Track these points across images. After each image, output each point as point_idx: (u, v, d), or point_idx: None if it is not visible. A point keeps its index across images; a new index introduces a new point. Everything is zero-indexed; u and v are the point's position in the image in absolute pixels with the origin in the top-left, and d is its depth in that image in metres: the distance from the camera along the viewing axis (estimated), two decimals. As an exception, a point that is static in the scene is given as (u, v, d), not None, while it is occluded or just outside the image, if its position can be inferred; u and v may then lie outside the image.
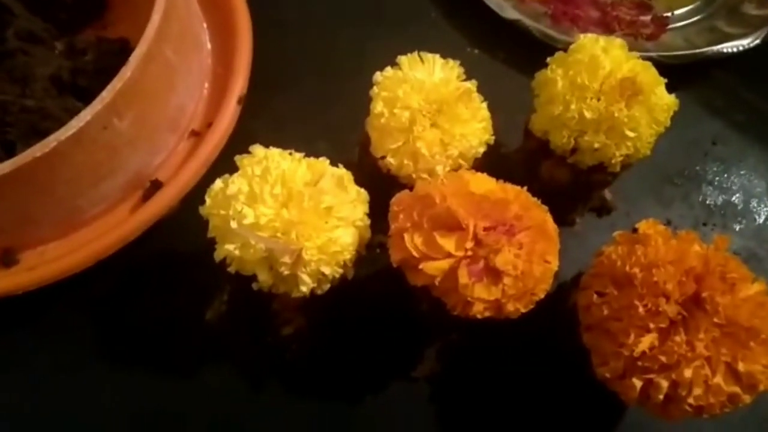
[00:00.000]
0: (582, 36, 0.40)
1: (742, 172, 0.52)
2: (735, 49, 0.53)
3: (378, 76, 0.38)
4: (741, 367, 0.31)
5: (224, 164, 0.37)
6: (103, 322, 0.44)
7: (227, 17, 0.51)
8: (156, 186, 0.44)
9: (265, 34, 0.52)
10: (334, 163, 0.36)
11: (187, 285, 0.45)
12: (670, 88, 0.39)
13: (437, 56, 0.39)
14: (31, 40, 0.47)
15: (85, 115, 0.36)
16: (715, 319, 0.31)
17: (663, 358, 0.31)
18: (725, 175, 0.52)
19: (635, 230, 0.37)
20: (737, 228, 0.49)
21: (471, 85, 0.39)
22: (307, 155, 0.36)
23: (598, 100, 0.37)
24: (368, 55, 0.55)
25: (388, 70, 0.38)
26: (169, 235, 0.45)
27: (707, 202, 0.50)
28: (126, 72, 0.38)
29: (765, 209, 0.50)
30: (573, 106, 0.38)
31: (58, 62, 0.46)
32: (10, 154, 0.41)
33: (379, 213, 0.36)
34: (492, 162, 0.41)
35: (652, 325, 0.32)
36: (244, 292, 0.35)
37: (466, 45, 0.57)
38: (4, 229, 0.41)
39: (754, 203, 0.51)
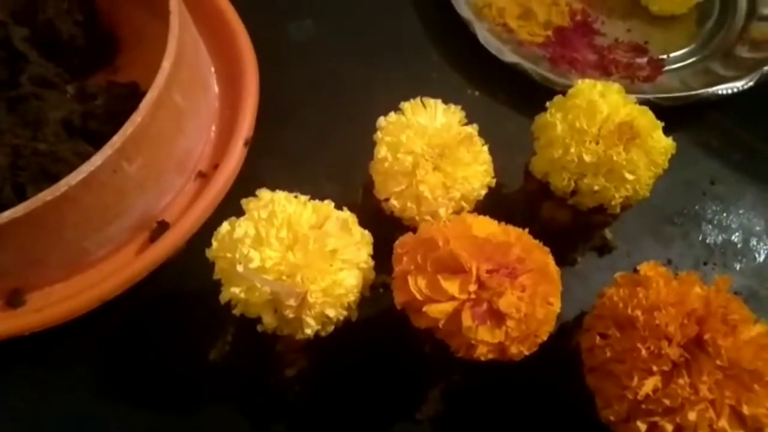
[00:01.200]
0: (580, 81, 0.41)
1: (740, 211, 0.52)
2: (730, 91, 0.54)
3: (382, 121, 0.39)
4: (745, 410, 0.31)
5: (231, 205, 0.38)
6: (108, 363, 0.44)
7: (234, 61, 0.53)
8: (163, 227, 0.45)
9: (272, 76, 0.54)
10: (338, 204, 0.37)
11: (191, 325, 0.45)
12: (667, 130, 0.40)
13: (439, 101, 0.40)
14: (44, 85, 0.48)
15: (96, 159, 0.37)
16: (718, 362, 0.31)
17: (667, 401, 0.31)
18: (724, 214, 0.52)
19: (636, 270, 0.37)
20: (738, 267, 0.50)
21: (472, 129, 0.39)
22: (312, 195, 0.37)
23: (597, 143, 0.38)
24: (372, 95, 0.56)
25: (392, 116, 0.39)
26: (174, 275, 0.45)
27: (707, 241, 0.51)
28: (136, 118, 0.39)
29: (765, 248, 0.51)
30: (572, 150, 0.38)
31: (70, 106, 0.47)
32: (21, 196, 0.41)
33: (382, 253, 0.37)
34: (493, 202, 0.41)
35: (655, 368, 0.32)
36: (248, 334, 0.36)
37: (466, 87, 0.58)
38: (11, 271, 0.42)
39: (753, 242, 0.51)
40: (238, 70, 0.52)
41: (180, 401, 0.43)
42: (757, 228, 0.52)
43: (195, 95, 0.47)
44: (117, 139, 0.38)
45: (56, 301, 0.42)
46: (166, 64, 0.41)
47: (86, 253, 0.43)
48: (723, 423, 0.31)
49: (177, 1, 0.44)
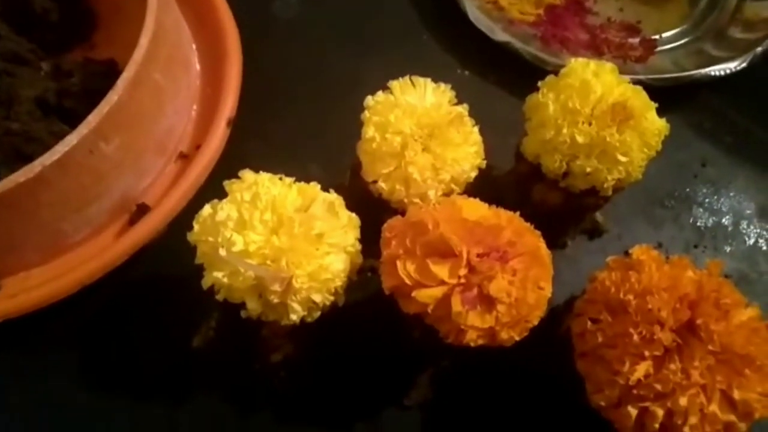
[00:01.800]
0: (573, 60, 0.40)
1: (731, 194, 0.52)
2: (722, 73, 0.53)
3: (369, 100, 0.38)
4: (736, 394, 0.31)
5: (213, 187, 0.37)
6: (88, 349, 0.43)
7: (217, 38, 0.51)
8: (143, 210, 0.44)
9: (256, 55, 0.52)
10: (325, 187, 0.36)
11: (174, 311, 0.44)
12: (659, 111, 0.39)
13: (429, 80, 0.39)
14: (17, 61, 0.46)
15: (71, 139, 0.36)
16: (710, 347, 0.31)
17: (658, 387, 0.31)
18: (715, 197, 0.52)
19: (627, 253, 0.37)
20: (728, 250, 0.49)
21: (462, 109, 0.38)
22: (298, 178, 0.36)
23: (590, 124, 0.37)
24: (360, 76, 0.55)
25: (380, 95, 0.38)
26: (155, 259, 0.44)
27: (698, 224, 0.51)
28: (113, 96, 0.37)
29: (755, 231, 0.50)
30: (565, 131, 0.38)
31: (44, 84, 0.45)
32: (-6, 178, 0.40)
33: (370, 237, 0.36)
34: (483, 184, 0.41)
35: (646, 353, 0.31)
36: (232, 319, 0.35)
37: (457, 67, 0.57)
38: (-15, 255, 0.40)
39: (744, 225, 0.51)
40: (221, 48, 0.50)
41: (163, 388, 0.42)
42: (748, 211, 0.51)
43: (175, 73, 0.45)
44: (93, 119, 0.36)
45: (33, 287, 0.41)
46: (144, 41, 0.39)
47: (63, 236, 0.42)
48: (714, 407, 0.31)
49: (155, -26, 0.42)
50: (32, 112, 0.43)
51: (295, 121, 0.53)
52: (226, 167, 0.45)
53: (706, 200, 0.52)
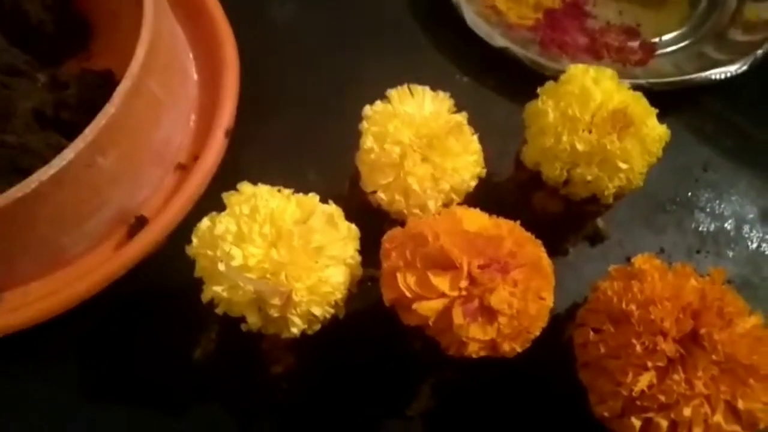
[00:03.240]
0: (572, 66, 0.39)
1: (733, 198, 0.52)
2: (723, 76, 0.53)
3: (368, 110, 0.38)
4: (741, 405, 0.31)
5: (212, 198, 0.37)
6: (88, 362, 0.43)
7: (214, 46, 0.51)
8: (141, 222, 0.43)
9: (252, 62, 0.52)
10: (323, 196, 0.35)
11: (173, 323, 0.43)
12: (659, 115, 0.39)
13: (427, 89, 0.38)
14: (13, 73, 0.46)
15: (68, 154, 0.35)
16: (714, 357, 0.31)
17: (662, 397, 0.31)
18: (717, 202, 0.52)
19: (629, 260, 0.36)
20: (731, 255, 0.49)
21: (461, 117, 0.38)
22: (297, 187, 0.35)
23: (590, 132, 0.37)
24: (358, 83, 0.54)
25: (378, 105, 0.38)
26: (154, 271, 0.44)
27: (700, 229, 0.50)
28: (110, 109, 0.37)
29: (758, 235, 0.50)
30: (565, 138, 0.37)
31: (41, 96, 0.45)
32: (-10, 192, 0.40)
33: (369, 246, 0.36)
34: (483, 192, 0.41)
35: (650, 364, 0.31)
36: (232, 331, 0.34)
37: (455, 72, 0.57)
38: (-17, 270, 0.40)
39: (746, 229, 0.50)
40: (218, 57, 0.50)
41: (164, 401, 0.42)
42: (750, 215, 0.51)
43: (173, 83, 0.45)
44: (90, 132, 0.36)
45: (33, 301, 0.41)
46: (141, 51, 0.39)
47: (62, 250, 0.42)
48: (718, 418, 0.31)
49: (151, -16, 0.42)
50: (29, 124, 0.43)
51: (292, 127, 0.53)
52: (225, 178, 0.45)
53: (708, 205, 0.51)
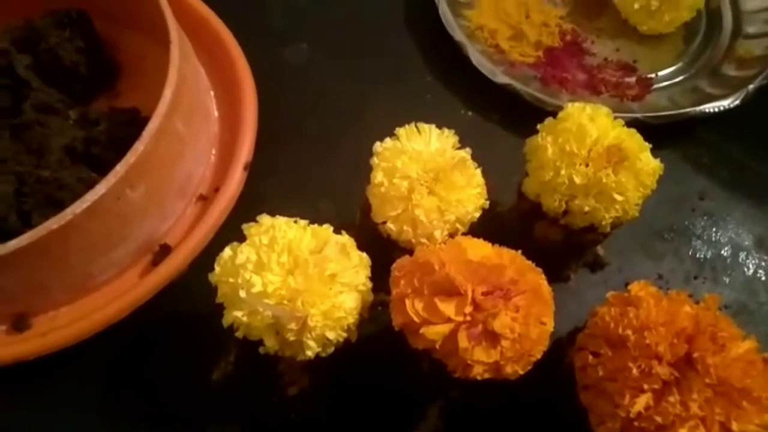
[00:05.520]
0: (570, 104, 0.42)
1: (729, 226, 0.53)
2: (717, 109, 0.55)
3: (378, 146, 0.40)
4: (735, 426, 0.32)
5: (232, 227, 0.39)
6: (113, 385, 0.45)
7: (233, 86, 0.54)
8: (165, 251, 0.46)
9: (270, 102, 0.55)
10: (336, 224, 0.37)
11: (194, 346, 0.45)
12: (656, 146, 0.41)
13: (433, 127, 0.41)
14: (47, 111, 0.49)
15: (100, 188, 0.38)
16: (707, 380, 0.32)
17: (659, 419, 0.32)
18: (713, 230, 0.53)
19: (627, 287, 0.38)
20: (727, 281, 0.51)
21: (465, 153, 0.40)
22: (310, 215, 0.38)
23: (587, 166, 0.39)
24: (367, 117, 0.57)
25: (387, 141, 0.40)
26: (177, 297, 0.46)
27: (697, 255, 0.52)
28: (139, 146, 0.40)
29: (754, 262, 0.52)
30: (563, 172, 0.40)
31: (73, 132, 0.47)
32: (26, 223, 0.42)
33: (380, 272, 0.37)
34: (487, 221, 0.42)
35: (646, 386, 0.32)
36: (250, 354, 0.36)
37: (460, 108, 0.59)
38: (17, 296, 0.42)
39: (742, 256, 0.52)
40: (237, 95, 0.53)
41: (184, 421, 0.44)
42: (746, 242, 0.53)
43: (196, 121, 0.48)
44: (120, 168, 0.39)
45: (61, 326, 0.43)
46: (168, 93, 0.42)
47: (90, 277, 0.44)
48: (713, 438, 0.32)
49: (177, 30, 0.45)
50: (62, 160, 0.46)
51: (307, 161, 0.55)
52: (244, 208, 0.48)
53: (705, 233, 0.53)
